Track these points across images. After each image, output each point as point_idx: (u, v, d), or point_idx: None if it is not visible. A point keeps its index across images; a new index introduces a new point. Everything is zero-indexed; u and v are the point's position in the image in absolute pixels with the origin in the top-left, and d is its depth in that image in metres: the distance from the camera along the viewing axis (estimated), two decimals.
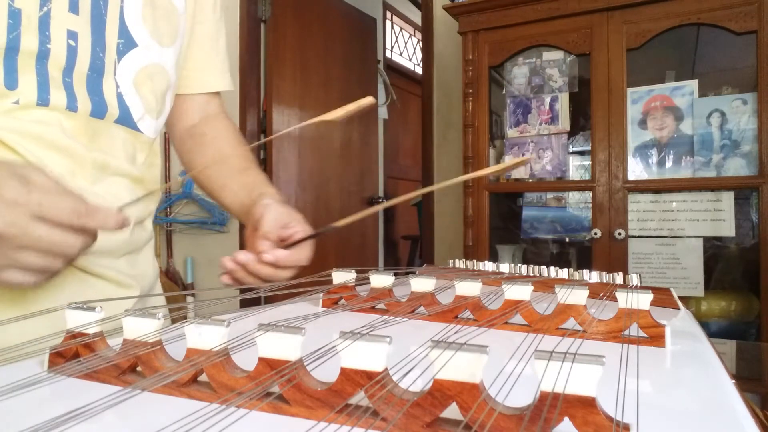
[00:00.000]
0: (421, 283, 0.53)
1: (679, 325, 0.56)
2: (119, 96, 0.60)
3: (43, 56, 0.53)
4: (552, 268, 0.76)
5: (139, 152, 0.65)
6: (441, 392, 0.24)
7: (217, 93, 0.80)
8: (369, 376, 0.25)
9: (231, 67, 0.81)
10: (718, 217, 1.60)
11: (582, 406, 0.22)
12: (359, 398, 0.26)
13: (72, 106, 0.55)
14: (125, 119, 0.61)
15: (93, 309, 0.34)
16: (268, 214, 0.61)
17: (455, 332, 0.46)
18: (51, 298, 0.54)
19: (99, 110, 0.58)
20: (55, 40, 0.53)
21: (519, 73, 1.91)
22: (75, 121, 0.56)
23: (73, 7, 0.54)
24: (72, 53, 0.55)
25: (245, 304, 0.53)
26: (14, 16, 0.51)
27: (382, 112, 3.47)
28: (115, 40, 0.59)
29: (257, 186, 0.70)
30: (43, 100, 0.53)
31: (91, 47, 0.56)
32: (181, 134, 0.77)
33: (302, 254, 0.61)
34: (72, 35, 0.55)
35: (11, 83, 0.51)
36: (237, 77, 2.51)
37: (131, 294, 0.63)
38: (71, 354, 0.34)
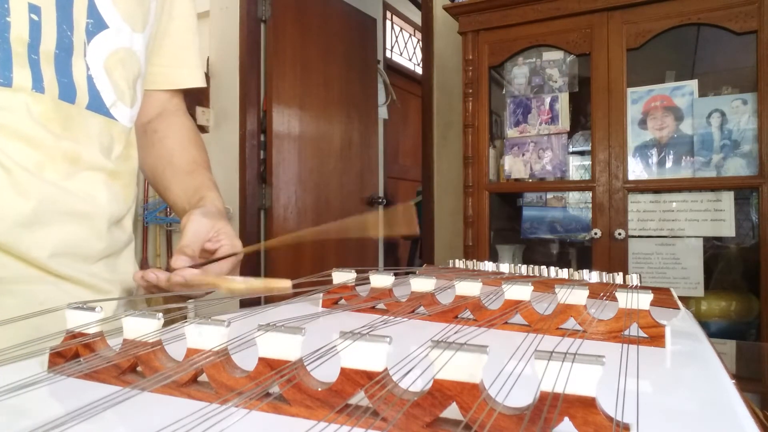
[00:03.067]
0: (421, 283, 0.53)
1: (679, 325, 0.56)
2: (89, 79, 0.56)
3: (3, 29, 0.49)
4: (552, 268, 0.76)
5: (116, 143, 0.61)
6: (441, 392, 0.24)
7: (181, 90, 0.77)
8: (369, 376, 0.25)
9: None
10: (718, 217, 1.60)
11: (582, 406, 0.22)
12: (359, 398, 0.26)
13: (38, 87, 0.51)
14: (97, 105, 0.57)
15: (93, 309, 0.34)
16: (189, 226, 0.57)
17: (455, 332, 0.46)
18: (22, 305, 0.51)
19: (68, 93, 0.54)
20: (15, 12, 0.50)
21: (519, 73, 1.91)
22: (43, 106, 0.52)
23: None
24: (35, 28, 0.51)
25: (245, 304, 0.53)
26: None
27: (382, 112, 3.47)
28: (84, 20, 0.55)
29: (199, 190, 0.66)
30: (6, 79, 0.50)
31: (57, 24, 0.53)
32: (136, 129, 0.73)
33: (218, 273, 0.58)
34: (34, 9, 0.51)
35: None
36: (237, 77, 2.51)
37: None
38: (71, 354, 0.34)
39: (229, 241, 0.59)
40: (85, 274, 0.57)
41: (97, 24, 0.57)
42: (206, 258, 0.59)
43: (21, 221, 0.51)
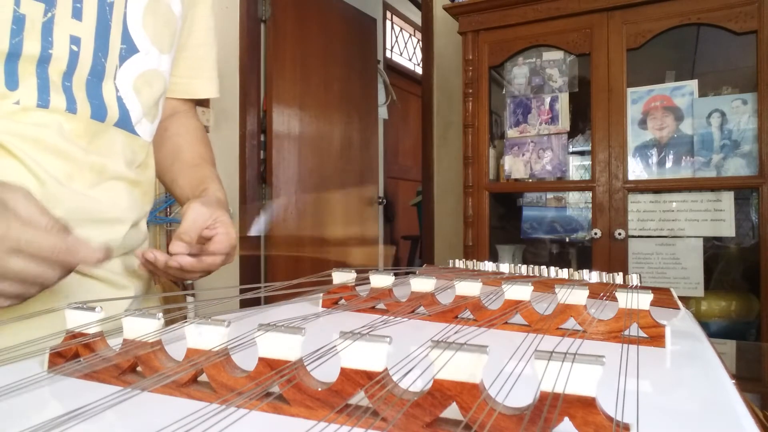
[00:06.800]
0: (421, 283, 0.53)
1: (679, 325, 0.56)
2: (119, 99, 0.61)
3: (44, 61, 0.54)
4: (552, 268, 0.76)
5: (137, 155, 0.66)
6: (441, 392, 0.24)
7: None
8: (369, 376, 0.25)
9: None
10: (718, 217, 1.60)
11: (582, 406, 0.22)
12: (359, 398, 0.26)
13: (71, 108, 0.56)
14: (124, 122, 0.62)
15: (93, 309, 0.34)
16: (188, 214, 0.61)
17: (455, 332, 0.46)
18: (46, 299, 0.53)
19: (99, 113, 0.59)
20: (58, 45, 0.54)
21: (519, 73, 1.91)
22: (75, 124, 0.57)
23: (77, 14, 0.55)
24: (74, 58, 0.56)
25: (245, 304, 0.53)
26: (18, 21, 0.52)
27: (382, 112, 3.47)
28: (119, 46, 0.60)
29: (202, 182, 0.71)
30: (44, 101, 0.54)
31: (93, 52, 0.57)
32: None
33: (212, 261, 0.61)
34: (75, 41, 0.56)
35: (12, 85, 0.52)
36: (237, 77, 2.51)
37: (126, 294, 0.63)
38: (71, 354, 0.34)
39: (224, 229, 0.63)
40: (104, 270, 0.60)
41: (129, 49, 0.61)
42: (202, 244, 0.62)
43: None
